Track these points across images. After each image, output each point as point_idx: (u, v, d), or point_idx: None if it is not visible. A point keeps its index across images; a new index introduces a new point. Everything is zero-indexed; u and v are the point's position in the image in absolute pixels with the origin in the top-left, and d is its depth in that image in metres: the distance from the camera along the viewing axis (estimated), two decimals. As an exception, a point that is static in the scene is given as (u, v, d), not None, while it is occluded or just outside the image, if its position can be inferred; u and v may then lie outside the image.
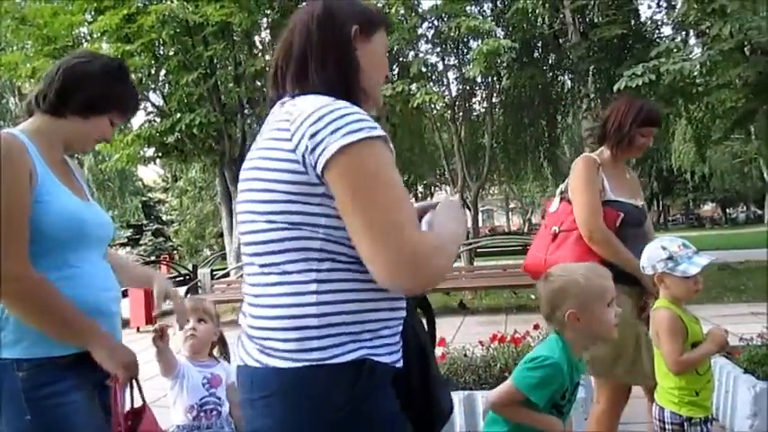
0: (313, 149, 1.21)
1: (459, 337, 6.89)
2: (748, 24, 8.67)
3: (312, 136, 1.22)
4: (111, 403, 1.78)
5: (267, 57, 13.35)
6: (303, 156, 1.23)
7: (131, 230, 34.49)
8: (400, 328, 1.35)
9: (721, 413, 3.89)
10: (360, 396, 1.22)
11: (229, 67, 12.79)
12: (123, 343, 1.84)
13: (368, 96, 1.41)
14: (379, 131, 1.24)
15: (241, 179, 1.37)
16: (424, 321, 1.53)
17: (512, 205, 58.90)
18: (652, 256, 2.50)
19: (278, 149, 1.27)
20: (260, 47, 14.16)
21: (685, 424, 2.43)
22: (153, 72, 13.07)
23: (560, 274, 1.89)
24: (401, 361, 1.33)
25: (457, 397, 3.75)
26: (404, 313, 1.37)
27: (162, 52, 12.95)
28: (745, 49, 10.36)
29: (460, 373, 3.88)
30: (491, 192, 40.77)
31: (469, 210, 16.17)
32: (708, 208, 54.95)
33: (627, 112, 2.99)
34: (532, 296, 10.45)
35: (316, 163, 1.21)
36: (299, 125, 1.25)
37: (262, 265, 1.29)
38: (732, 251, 18.33)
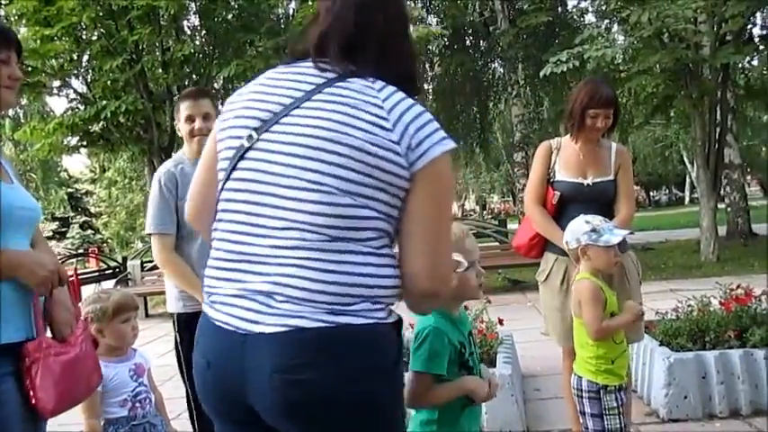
0: (416, 147, 1.30)
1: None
2: (665, 12, 9.01)
3: (416, 132, 1.30)
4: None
5: (196, 42, 13.07)
6: (407, 151, 1.29)
7: (57, 223, 33.23)
8: None
9: (639, 384, 4.08)
10: (399, 350, 1.37)
11: (156, 53, 12.42)
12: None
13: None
14: (453, 144, 1.37)
15: (297, 143, 1.33)
16: None
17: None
18: (576, 230, 2.65)
19: (377, 135, 1.30)
20: (188, 32, 13.81)
21: (601, 391, 2.56)
22: (75, 57, 12.58)
23: None
24: None
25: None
26: None
27: (84, 37, 12.46)
28: (664, 36, 10.76)
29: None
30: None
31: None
32: (633, 191, 56.95)
33: (577, 96, 3.14)
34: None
35: (416, 161, 1.29)
36: (398, 117, 1.31)
37: (335, 238, 1.29)
38: (654, 232, 19.13)
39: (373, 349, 1.29)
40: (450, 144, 1.32)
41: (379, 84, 1.36)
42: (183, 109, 2.90)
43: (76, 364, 1.85)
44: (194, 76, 13.03)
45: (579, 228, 2.63)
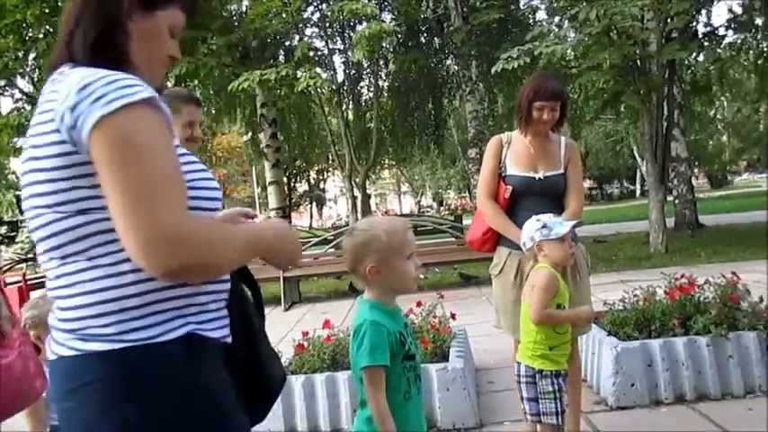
0: (74, 125, 1.13)
1: (349, 319, 6.96)
2: (612, 9, 9.20)
3: (72, 109, 1.13)
4: None
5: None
6: (69, 134, 1.14)
7: (6, 227, 32.26)
8: (225, 302, 1.35)
9: (588, 374, 4.17)
10: (188, 373, 1.20)
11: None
12: None
13: (141, 74, 1.27)
14: (144, 93, 1.15)
15: (21, 172, 1.25)
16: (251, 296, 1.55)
17: (404, 189, 59.83)
18: (529, 230, 2.76)
19: (45, 134, 1.18)
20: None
21: (537, 376, 2.63)
22: (20, 56, 12.21)
23: (364, 229, 1.91)
24: (230, 336, 1.34)
25: (342, 377, 3.82)
26: (229, 286, 1.36)
27: (30, 35, 12.10)
28: (612, 33, 10.99)
29: (346, 353, 3.94)
30: (382, 176, 41.23)
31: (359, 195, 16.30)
32: (585, 185, 58.07)
33: (524, 90, 3.21)
34: (420, 276, 10.72)
35: (80, 138, 1.13)
36: (62, 101, 1.15)
37: (64, 257, 1.20)
38: (606, 224, 19.55)
39: (126, 376, 1.15)
40: (113, 104, 1.12)
41: (67, 72, 1.23)
42: (186, 113, 2.82)
43: (12, 368, 1.80)
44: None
45: (531, 227, 2.74)
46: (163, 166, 1.14)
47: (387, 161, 25.86)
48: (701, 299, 4.04)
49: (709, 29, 14.03)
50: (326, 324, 4.17)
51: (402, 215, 36.05)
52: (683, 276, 4.22)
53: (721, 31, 13.62)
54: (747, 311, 3.92)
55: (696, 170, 44.43)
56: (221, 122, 19.26)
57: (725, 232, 14.25)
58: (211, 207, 1.33)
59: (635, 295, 4.25)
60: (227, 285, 1.36)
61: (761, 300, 4.01)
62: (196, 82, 13.02)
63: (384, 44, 14.33)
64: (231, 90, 11.18)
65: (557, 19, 13.75)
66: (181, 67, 11.03)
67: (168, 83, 13.29)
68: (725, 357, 3.79)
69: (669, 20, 11.17)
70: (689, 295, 4.05)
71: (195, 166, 1.33)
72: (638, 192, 44.42)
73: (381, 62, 16.44)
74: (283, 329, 7.32)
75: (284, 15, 12.49)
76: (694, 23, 13.34)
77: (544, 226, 2.70)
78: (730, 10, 14.66)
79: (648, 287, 4.28)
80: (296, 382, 3.86)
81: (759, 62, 15.62)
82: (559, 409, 2.60)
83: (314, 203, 45.85)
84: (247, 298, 1.50)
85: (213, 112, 17.02)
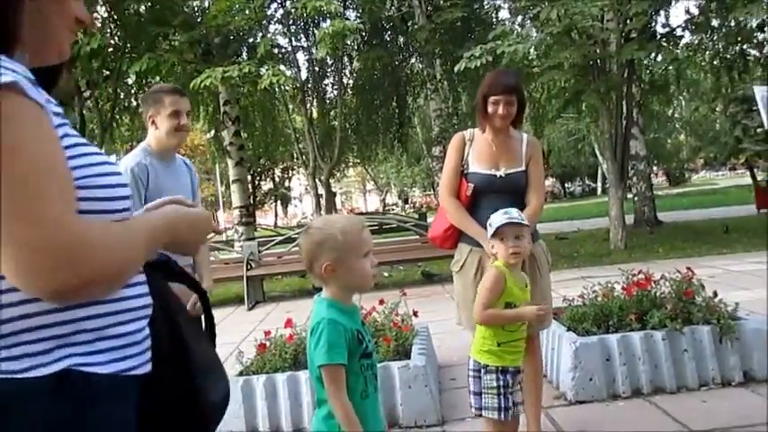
0: None
1: (313, 317, 6.94)
2: (573, 9, 9.34)
3: None
4: None
5: (106, 35, 12.57)
6: None
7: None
8: (143, 324, 1.14)
9: (548, 369, 4.23)
10: (60, 420, 0.97)
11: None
12: None
13: (41, 45, 1.11)
14: (7, 77, 0.92)
15: None
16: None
17: (369, 187, 59.87)
18: (492, 223, 2.69)
19: None
20: (98, 24, 13.28)
21: (482, 371, 2.62)
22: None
23: (320, 227, 1.90)
24: (147, 365, 1.12)
25: (304, 376, 3.80)
26: (146, 302, 1.16)
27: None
28: (573, 33, 11.14)
29: (308, 351, 3.92)
30: (347, 174, 41.18)
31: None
32: (548, 183, 58.88)
33: (481, 87, 3.27)
34: (385, 274, 10.74)
35: None
36: None
37: None
38: (568, 222, 19.85)
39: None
40: None
41: None
42: (170, 103, 2.96)
43: None
44: (104, 71, 12.55)
45: (494, 220, 2.68)
46: (38, 160, 0.92)
47: (351, 159, 25.85)
48: (658, 294, 4.12)
49: (667, 29, 14.34)
50: (288, 323, 4.14)
51: (367, 213, 36.14)
52: (640, 272, 4.30)
53: (679, 32, 13.94)
54: (702, 306, 4.00)
55: (655, 168, 45.38)
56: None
57: (682, 229, 14.58)
58: (111, 209, 1.08)
59: (594, 291, 4.31)
60: (143, 301, 1.15)
61: (714, 294, 4.11)
62: (157, 78, 12.83)
63: (348, 42, 14.34)
64: (193, 87, 11.04)
65: (519, 18, 13.91)
66: (141, 64, 10.85)
67: (128, 79, 13.12)
68: (680, 351, 3.87)
69: (628, 20, 11.39)
70: (646, 291, 4.12)
71: (90, 160, 1.06)
72: (599, 189, 45.16)
73: (345, 60, 16.43)
74: (246, 329, 7.27)
75: (247, 12, 12.40)
76: (653, 24, 13.62)
77: (491, 224, 2.66)
78: (687, 11, 15.03)
79: (607, 283, 4.35)
80: (257, 383, 3.83)
81: (715, 62, 16.04)
82: (503, 405, 2.59)
83: (279, 202, 45.56)
84: (176, 310, 1.29)
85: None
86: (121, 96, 13.95)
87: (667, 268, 4.50)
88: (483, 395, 2.61)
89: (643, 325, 3.96)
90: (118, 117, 14.31)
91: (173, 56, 11.38)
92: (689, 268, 4.24)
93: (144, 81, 12.76)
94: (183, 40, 11.88)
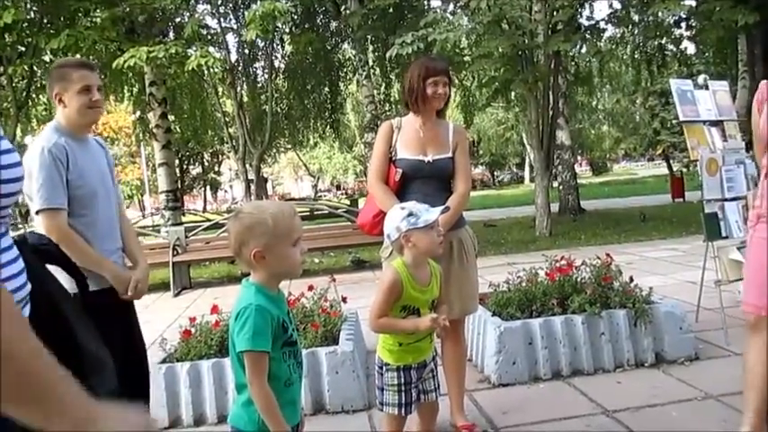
0: None
1: (241, 303, 6.85)
2: (502, 0, 9.49)
3: None
4: None
5: (21, 8, 11.92)
6: None
7: None
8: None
9: (474, 353, 4.32)
10: None
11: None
12: None
13: None
14: None
15: None
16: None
17: (301, 173, 59.38)
18: (394, 219, 2.53)
19: None
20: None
21: (384, 368, 2.62)
22: None
23: (250, 212, 1.86)
24: None
25: (229, 363, 3.75)
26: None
27: None
28: (503, 23, 11.33)
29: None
30: (279, 159, 40.68)
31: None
32: (477, 171, 59.88)
33: (413, 72, 3.31)
34: (316, 260, 10.71)
35: None
36: None
37: None
38: (497, 209, 20.27)
39: None
40: None
41: None
42: (78, 78, 2.66)
43: None
44: (19, 47, 11.90)
45: (396, 216, 2.51)
46: None
47: (283, 144, 25.54)
48: (579, 279, 4.26)
49: (591, 22, 14.76)
50: (215, 309, 4.07)
51: (298, 199, 35.80)
52: (563, 258, 4.43)
53: (602, 25, 14.36)
54: (618, 291, 4.17)
55: (579, 158, 46.81)
56: (107, 100, 18.29)
57: (603, 217, 15.13)
58: None
59: (519, 277, 4.42)
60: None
61: (631, 280, 4.28)
62: (78, 56, 12.28)
63: (279, 24, 14.09)
64: (116, 67, 10.64)
65: (450, 6, 14.01)
66: (59, 41, 10.35)
67: (46, 57, 12.49)
68: (597, 334, 4.02)
69: (555, 12, 11.65)
70: (567, 276, 4.26)
71: None
72: (527, 178, 46.25)
73: (277, 43, 16.16)
74: (171, 316, 7.11)
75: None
76: (578, 16, 13.98)
77: (410, 214, 2.47)
78: (610, 5, 15.48)
79: (531, 269, 4.46)
80: (181, 370, 3.75)
81: (636, 56, 16.64)
82: (403, 401, 2.58)
83: (208, 187, 44.59)
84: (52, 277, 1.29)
85: (97, 89, 16.13)
86: (38, 74, 13.30)
87: (589, 254, 4.66)
88: (384, 391, 2.60)
89: (564, 309, 4.09)
90: (34, 96, 13.63)
91: (94, 33, 10.91)
92: (608, 254, 4.40)
93: (60, 58, 12.19)
94: (105, 17, 11.39)
